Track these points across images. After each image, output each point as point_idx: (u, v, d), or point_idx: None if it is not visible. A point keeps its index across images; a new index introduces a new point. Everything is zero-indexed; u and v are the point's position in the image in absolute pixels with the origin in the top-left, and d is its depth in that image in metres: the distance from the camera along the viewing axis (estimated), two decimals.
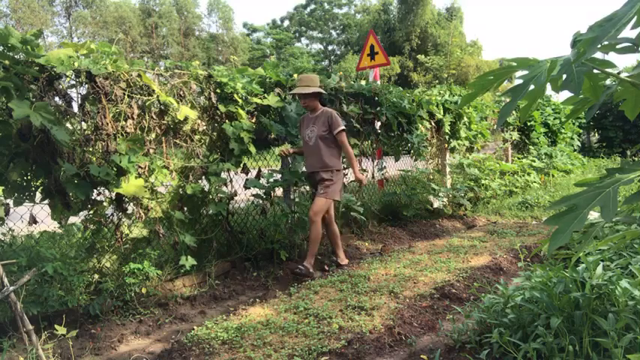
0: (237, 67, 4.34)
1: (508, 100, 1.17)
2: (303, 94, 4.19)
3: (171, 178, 3.65)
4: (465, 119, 7.33)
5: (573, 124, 11.75)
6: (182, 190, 3.74)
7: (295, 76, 4.71)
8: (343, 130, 4.17)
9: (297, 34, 50.81)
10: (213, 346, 2.68)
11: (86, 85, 3.19)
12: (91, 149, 3.16)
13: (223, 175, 4.02)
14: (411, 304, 3.20)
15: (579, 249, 2.08)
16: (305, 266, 3.97)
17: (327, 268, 4.26)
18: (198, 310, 3.44)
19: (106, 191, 3.31)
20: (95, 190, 3.23)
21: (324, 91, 4.34)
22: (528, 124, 9.83)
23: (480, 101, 7.95)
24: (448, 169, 7.29)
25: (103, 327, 3.04)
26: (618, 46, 1.16)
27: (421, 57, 36.62)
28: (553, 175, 9.45)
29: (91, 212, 3.29)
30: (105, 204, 3.35)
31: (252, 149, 4.11)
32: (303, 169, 4.62)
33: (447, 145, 7.18)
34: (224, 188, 4.04)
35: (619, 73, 1.27)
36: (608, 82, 1.37)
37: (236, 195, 4.16)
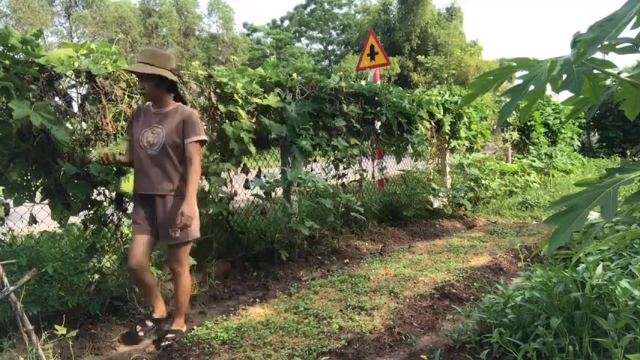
0: (237, 67, 4.34)
1: (508, 100, 1.17)
2: (140, 75, 2.81)
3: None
4: (465, 119, 7.33)
5: (573, 124, 11.75)
6: None
7: (295, 75, 4.71)
8: (203, 141, 2.83)
9: (297, 34, 50.79)
10: (213, 346, 2.68)
11: (86, 85, 3.19)
12: (91, 149, 3.16)
13: (223, 175, 4.02)
14: (411, 304, 3.20)
15: (579, 249, 2.08)
16: (179, 331, 2.90)
17: (141, 334, 2.88)
18: (198, 310, 3.44)
19: (106, 191, 3.32)
20: (95, 190, 3.24)
21: (176, 79, 2.85)
22: (528, 124, 9.83)
23: (480, 101, 7.94)
24: (448, 169, 7.29)
25: (103, 327, 3.04)
26: (618, 46, 1.16)
27: (421, 57, 36.61)
28: (553, 175, 9.45)
29: (91, 212, 3.29)
30: (105, 204, 3.35)
31: (252, 149, 4.11)
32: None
33: (447, 145, 7.18)
34: (224, 188, 4.04)
35: (619, 73, 1.27)
36: (608, 82, 1.37)
37: (236, 195, 4.16)
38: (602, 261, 2.37)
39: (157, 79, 2.78)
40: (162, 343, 2.78)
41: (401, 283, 3.63)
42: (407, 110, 5.89)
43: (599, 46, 0.98)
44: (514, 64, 1.20)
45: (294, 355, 2.52)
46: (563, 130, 11.22)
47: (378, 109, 5.61)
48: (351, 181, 5.71)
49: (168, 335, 2.84)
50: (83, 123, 3.22)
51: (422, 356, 2.49)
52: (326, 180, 5.14)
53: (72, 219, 3.26)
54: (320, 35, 50.46)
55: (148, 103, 2.93)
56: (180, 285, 2.90)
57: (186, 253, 2.90)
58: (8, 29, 2.72)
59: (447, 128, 6.92)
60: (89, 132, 3.19)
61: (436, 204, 6.60)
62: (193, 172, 2.77)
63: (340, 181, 5.40)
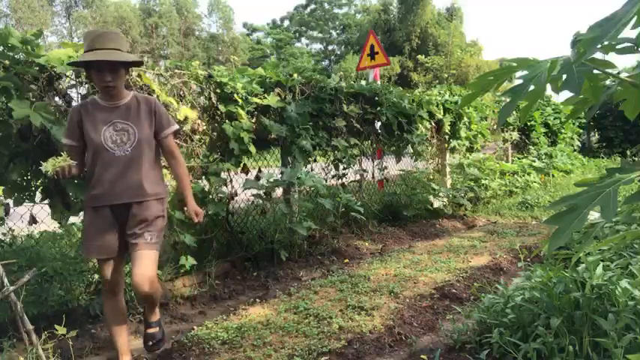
0: (238, 67, 4.34)
1: (508, 100, 1.17)
2: (110, 65, 2.29)
3: (171, 178, 3.65)
4: (465, 119, 7.33)
5: (573, 124, 11.75)
6: None
7: (295, 75, 4.70)
8: (177, 131, 2.62)
9: (297, 34, 50.81)
10: (213, 346, 2.68)
11: (86, 85, 3.18)
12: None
13: (223, 175, 4.02)
14: (411, 304, 3.20)
15: (579, 249, 2.08)
16: (159, 320, 2.62)
17: None
18: (198, 310, 3.44)
19: None
20: None
21: (140, 59, 2.58)
22: (528, 124, 9.83)
23: (480, 101, 7.95)
24: (448, 169, 7.29)
25: (103, 327, 3.03)
26: (618, 46, 1.16)
27: (421, 57, 36.61)
28: (553, 175, 9.45)
29: None
30: None
31: (252, 149, 4.11)
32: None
33: (447, 145, 7.18)
34: (224, 188, 4.04)
35: (619, 73, 1.27)
36: (608, 82, 1.37)
37: (236, 195, 4.16)
38: (602, 261, 2.37)
39: (127, 67, 2.43)
40: (150, 342, 2.56)
41: (401, 283, 3.63)
42: (407, 110, 5.88)
43: (599, 46, 0.98)
44: (514, 64, 1.20)
45: (294, 355, 2.52)
46: (563, 130, 11.22)
47: (378, 109, 5.61)
48: (351, 181, 5.71)
49: (150, 330, 2.56)
50: None
51: (422, 356, 2.49)
52: (326, 180, 5.14)
53: (72, 219, 3.26)
54: (320, 35, 50.48)
55: (92, 97, 2.48)
56: (156, 290, 2.45)
57: (156, 265, 2.44)
58: (8, 29, 2.72)
59: (447, 128, 6.92)
60: None
61: (436, 204, 6.61)
62: (181, 166, 2.57)
63: (340, 181, 5.40)
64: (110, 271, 2.47)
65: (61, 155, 2.26)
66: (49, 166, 2.21)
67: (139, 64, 2.57)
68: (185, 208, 2.63)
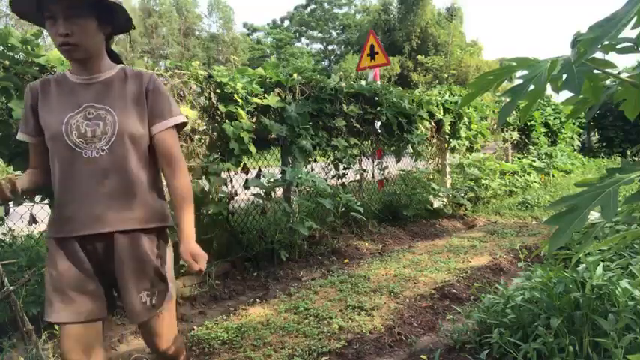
0: (238, 67, 4.34)
1: (508, 100, 1.16)
2: (66, 6, 1.45)
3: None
4: (465, 119, 7.33)
5: (573, 124, 11.76)
6: None
7: (295, 75, 4.70)
8: (183, 124, 1.70)
9: (297, 34, 50.81)
10: (213, 346, 2.68)
11: None
12: None
13: (223, 175, 4.02)
14: (411, 304, 3.20)
15: (579, 249, 2.08)
16: None
17: None
18: (198, 310, 3.44)
19: None
20: None
21: (127, 12, 1.60)
22: (528, 124, 9.84)
23: (480, 101, 7.95)
24: (448, 169, 7.29)
25: (103, 327, 3.03)
26: (618, 46, 1.16)
27: (421, 57, 36.62)
28: (553, 175, 9.45)
29: None
30: None
31: (252, 149, 4.11)
32: None
33: (447, 145, 7.18)
34: (224, 188, 4.04)
35: (619, 73, 1.27)
36: (608, 82, 1.37)
37: (236, 195, 4.16)
38: (602, 261, 2.37)
39: (102, 19, 1.54)
40: None
41: (401, 283, 3.63)
42: (407, 110, 5.89)
43: (599, 46, 0.98)
44: (514, 63, 1.20)
45: (294, 355, 2.52)
46: (563, 130, 11.23)
47: (378, 109, 5.61)
48: (351, 181, 5.71)
49: None
50: None
51: (422, 356, 2.49)
52: (326, 180, 5.14)
53: None
54: (320, 35, 50.48)
55: (62, 71, 1.64)
56: (178, 354, 1.84)
57: (174, 320, 1.82)
58: (8, 29, 2.72)
59: (447, 128, 6.92)
60: None
61: (436, 204, 6.61)
62: (180, 180, 1.63)
63: (340, 181, 5.40)
64: (80, 347, 1.55)
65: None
66: None
67: (117, 10, 1.56)
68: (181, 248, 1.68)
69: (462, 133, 7.25)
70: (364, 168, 5.85)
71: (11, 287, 2.30)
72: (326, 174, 5.31)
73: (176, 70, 3.76)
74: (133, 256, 1.58)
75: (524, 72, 1.15)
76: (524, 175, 8.62)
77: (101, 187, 1.53)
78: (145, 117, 1.61)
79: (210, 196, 3.88)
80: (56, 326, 2.46)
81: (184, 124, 1.70)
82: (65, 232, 1.55)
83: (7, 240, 3.19)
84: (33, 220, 3.12)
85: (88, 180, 1.53)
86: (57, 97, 1.57)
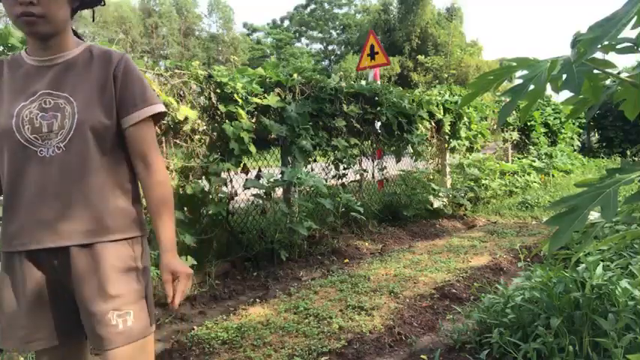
0: (238, 67, 4.34)
1: (508, 100, 1.16)
2: None
3: (171, 178, 3.65)
4: (465, 119, 7.33)
5: (573, 124, 11.76)
6: (182, 189, 3.74)
7: (295, 75, 4.70)
8: (162, 114, 1.40)
9: (297, 34, 50.83)
10: (213, 346, 2.68)
11: None
12: None
13: (223, 175, 4.02)
14: (411, 304, 3.20)
15: (579, 249, 2.08)
16: None
17: None
18: (198, 310, 3.44)
19: None
20: None
21: None
22: (528, 124, 9.84)
23: (480, 101, 7.95)
24: (448, 169, 7.29)
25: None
26: (618, 46, 1.16)
27: (421, 57, 36.63)
28: (553, 175, 9.45)
29: None
30: None
31: (252, 149, 4.11)
32: None
33: (447, 145, 7.19)
34: (224, 188, 4.04)
35: (619, 73, 1.27)
36: (608, 82, 1.37)
37: (236, 195, 4.16)
38: (602, 261, 2.37)
39: None
40: None
41: (401, 283, 3.63)
42: (407, 110, 5.89)
43: (599, 46, 0.98)
44: (514, 64, 1.20)
45: (294, 355, 2.52)
46: (563, 130, 11.23)
47: (378, 109, 5.61)
48: (351, 181, 5.71)
49: None
50: None
51: (422, 356, 2.49)
52: (326, 180, 5.14)
53: None
54: (320, 35, 50.50)
55: (17, 52, 1.41)
56: None
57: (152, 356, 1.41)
58: (8, 29, 2.72)
59: (447, 128, 6.93)
60: None
61: (436, 204, 6.61)
62: (155, 181, 1.39)
63: (340, 181, 5.40)
64: None
65: None
66: None
67: None
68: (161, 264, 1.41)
69: (462, 133, 7.25)
70: (364, 168, 5.85)
71: None
72: (326, 174, 5.31)
73: (176, 70, 3.76)
74: (95, 274, 1.28)
75: (524, 72, 1.15)
76: (524, 175, 8.62)
77: (57, 191, 1.27)
78: (113, 106, 1.32)
79: (210, 196, 3.88)
80: None
81: (163, 115, 1.40)
82: (13, 247, 1.29)
83: None
84: None
85: (42, 184, 1.26)
86: (9, 84, 1.31)
